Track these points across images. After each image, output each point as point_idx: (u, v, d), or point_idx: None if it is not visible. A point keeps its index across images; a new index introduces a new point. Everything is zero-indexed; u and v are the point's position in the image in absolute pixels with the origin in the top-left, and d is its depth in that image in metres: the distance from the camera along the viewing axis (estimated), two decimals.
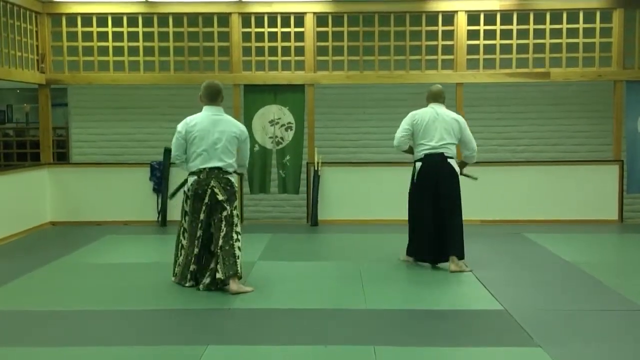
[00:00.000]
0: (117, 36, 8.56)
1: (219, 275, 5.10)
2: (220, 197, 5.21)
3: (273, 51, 8.56)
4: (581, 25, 8.45)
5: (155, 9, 8.52)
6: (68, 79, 8.78)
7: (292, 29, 8.53)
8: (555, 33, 8.51)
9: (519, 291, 5.30)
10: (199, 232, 5.29)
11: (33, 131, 11.95)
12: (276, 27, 8.53)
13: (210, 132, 5.28)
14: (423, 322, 4.54)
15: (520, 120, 10.32)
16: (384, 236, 7.51)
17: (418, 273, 5.90)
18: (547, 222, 8.36)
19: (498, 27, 8.48)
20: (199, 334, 4.28)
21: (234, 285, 5.13)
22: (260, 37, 8.56)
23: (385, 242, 7.17)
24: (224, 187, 5.25)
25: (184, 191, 5.43)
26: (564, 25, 8.47)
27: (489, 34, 8.50)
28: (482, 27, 8.49)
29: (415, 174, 6.03)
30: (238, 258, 5.16)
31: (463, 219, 6.03)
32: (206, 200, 5.24)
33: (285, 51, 8.57)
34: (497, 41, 8.49)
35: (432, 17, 8.55)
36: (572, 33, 8.50)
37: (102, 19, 8.56)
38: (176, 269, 5.47)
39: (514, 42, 8.50)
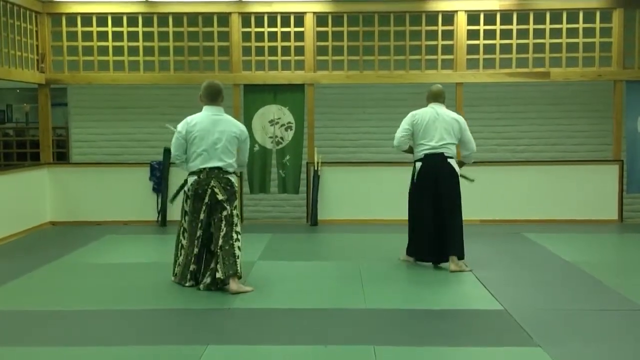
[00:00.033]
0: (117, 36, 8.56)
1: (218, 274, 5.11)
2: (220, 197, 5.21)
3: (273, 51, 8.56)
4: (581, 25, 8.45)
5: (155, 9, 8.52)
6: (68, 79, 8.78)
7: (292, 29, 8.53)
8: (555, 33, 8.51)
9: (519, 291, 5.30)
10: (199, 232, 5.29)
11: (33, 131, 11.95)
12: (276, 26, 8.53)
13: (211, 132, 5.28)
14: (423, 322, 4.54)
15: (520, 120, 10.32)
16: (384, 236, 7.51)
17: (418, 273, 5.90)
18: (547, 221, 8.36)
19: (498, 27, 8.48)
20: (199, 334, 4.28)
21: (233, 284, 5.13)
22: (260, 36, 8.56)
23: (385, 242, 7.17)
24: (224, 187, 5.25)
25: (184, 191, 5.43)
26: (564, 25, 8.47)
27: (489, 34, 8.51)
28: (482, 27, 8.49)
29: (415, 174, 6.03)
30: (238, 258, 5.17)
31: (463, 218, 6.03)
32: (206, 200, 5.24)
33: (285, 51, 8.57)
34: (497, 41, 8.49)
35: (432, 17, 8.56)
36: (572, 33, 8.50)
37: (102, 18, 8.56)
38: (176, 268, 5.47)
39: (514, 42, 8.50)
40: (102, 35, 8.57)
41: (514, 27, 8.47)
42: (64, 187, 8.54)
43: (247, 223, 8.54)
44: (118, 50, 8.58)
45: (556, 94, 10.20)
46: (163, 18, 8.57)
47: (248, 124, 8.41)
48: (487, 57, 8.53)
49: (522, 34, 8.51)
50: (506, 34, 8.51)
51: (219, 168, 5.28)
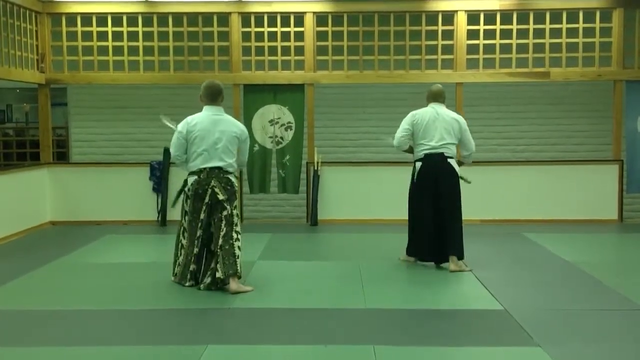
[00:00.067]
0: (117, 36, 8.56)
1: (218, 274, 5.11)
2: (220, 197, 5.21)
3: (273, 51, 8.56)
4: (581, 25, 8.45)
5: (155, 9, 8.52)
6: (68, 79, 8.78)
7: (292, 29, 8.53)
8: (555, 33, 8.51)
9: (519, 291, 5.30)
10: (199, 232, 5.29)
11: (33, 131, 11.95)
12: (276, 26, 8.53)
13: (211, 131, 5.28)
14: (423, 322, 4.54)
15: (520, 119, 10.32)
16: (384, 236, 7.51)
17: (418, 273, 5.90)
18: (547, 221, 8.36)
19: (498, 26, 8.48)
20: (199, 334, 4.28)
21: (233, 284, 5.13)
22: (260, 36, 8.56)
23: (384, 242, 7.17)
24: (225, 187, 5.25)
25: (184, 191, 5.43)
26: (564, 25, 8.47)
27: (489, 34, 8.51)
28: (482, 27, 8.49)
29: (415, 173, 6.03)
30: (238, 257, 5.17)
31: (463, 218, 6.03)
32: (206, 199, 5.24)
33: (285, 51, 8.57)
34: (497, 41, 8.49)
35: (432, 17, 8.55)
36: (572, 33, 8.50)
37: (101, 18, 8.56)
38: (176, 268, 5.47)
39: (514, 41, 8.50)
40: (102, 35, 8.57)
41: (514, 27, 8.47)
42: (64, 187, 8.54)
43: (247, 223, 8.54)
44: (118, 50, 8.58)
45: (556, 93, 10.20)
46: (163, 18, 8.57)
47: (248, 123, 8.41)
48: (487, 57, 8.53)
49: (522, 33, 8.51)
50: (506, 34, 8.51)
51: (219, 168, 5.28)
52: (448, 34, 8.54)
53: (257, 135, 8.54)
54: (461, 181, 6.09)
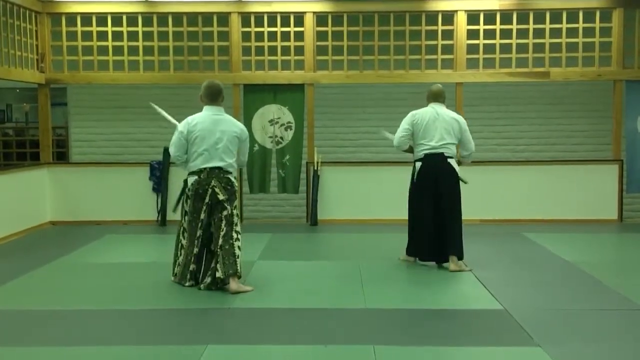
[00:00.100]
0: (117, 36, 8.56)
1: (218, 274, 5.11)
2: (221, 197, 5.21)
3: (273, 51, 8.56)
4: (581, 24, 8.45)
5: (155, 9, 8.52)
6: (68, 79, 8.78)
7: (292, 29, 8.53)
8: (555, 32, 8.51)
9: (519, 291, 5.30)
10: (199, 232, 5.29)
11: (33, 131, 11.95)
12: (276, 26, 8.53)
13: (212, 131, 5.28)
14: (423, 322, 4.54)
15: (520, 119, 10.32)
16: (384, 236, 7.51)
17: (417, 273, 5.90)
18: (547, 221, 8.36)
19: (498, 26, 8.48)
20: (199, 334, 4.28)
21: (233, 284, 5.13)
22: (259, 36, 8.56)
23: (384, 242, 7.17)
24: (225, 187, 5.25)
25: (182, 189, 5.42)
26: (564, 25, 8.47)
27: (489, 34, 8.51)
28: (481, 27, 8.49)
29: (415, 173, 6.03)
30: (238, 257, 5.17)
31: (463, 218, 6.03)
32: (207, 199, 5.24)
33: (285, 51, 8.57)
34: (497, 41, 8.49)
35: (431, 17, 8.55)
36: (572, 32, 8.50)
37: (101, 18, 8.56)
38: (176, 268, 5.47)
39: (514, 41, 8.50)
40: (102, 35, 8.57)
41: (514, 26, 8.47)
42: (63, 186, 8.54)
43: (247, 223, 8.54)
44: (118, 50, 8.58)
45: (556, 93, 10.21)
46: (163, 18, 8.57)
47: (248, 123, 8.41)
48: (487, 56, 8.53)
49: (522, 33, 8.51)
50: (506, 34, 8.51)
51: (219, 168, 5.28)
52: (448, 34, 8.54)
53: (257, 135, 8.54)
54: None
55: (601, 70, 8.54)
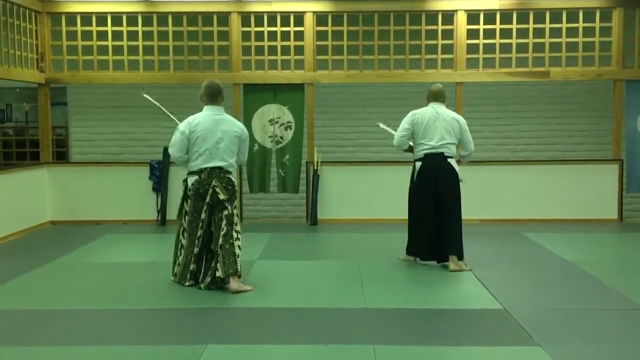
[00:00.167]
0: (117, 35, 8.56)
1: (218, 273, 5.11)
2: (221, 197, 5.21)
3: (273, 50, 8.56)
4: (581, 24, 8.45)
5: (155, 8, 8.52)
6: (67, 78, 8.78)
7: (292, 28, 8.53)
8: (555, 32, 8.51)
9: (519, 290, 5.30)
10: (200, 232, 5.29)
11: (32, 130, 11.94)
12: (276, 26, 8.53)
13: (213, 131, 5.28)
14: (422, 322, 4.54)
15: (520, 119, 10.32)
16: (384, 235, 7.51)
17: (417, 272, 5.90)
18: (547, 221, 8.36)
19: (498, 26, 8.48)
20: (199, 333, 4.28)
21: (234, 283, 5.13)
22: (259, 36, 8.56)
23: (384, 241, 7.17)
24: (225, 187, 5.25)
25: (184, 191, 5.42)
26: (564, 25, 8.47)
27: (489, 33, 8.51)
28: (481, 26, 8.49)
29: (415, 173, 6.03)
30: (238, 257, 5.17)
31: (463, 218, 6.03)
32: (207, 199, 5.24)
33: (285, 50, 8.57)
34: (497, 40, 8.49)
35: (431, 16, 8.55)
36: (572, 32, 8.50)
37: (101, 18, 8.56)
38: (176, 268, 5.47)
39: (514, 41, 8.50)
40: (102, 35, 8.57)
41: (514, 26, 8.47)
42: (63, 186, 8.54)
43: (247, 222, 8.54)
44: (118, 50, 8.58)
45: (556, 93, 10.21)
46: (162, 17, 8.57)
47: (248, 123, 8.41)
48: (486, 56, 8.53)
49: (522, 33, 8.51)
50: (506, 34, 8.51)
51: (220, 168, 5.28)
52: (448, 34, 8.54)
53: (256, 134, 8.54)
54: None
55: (601, 69, 8.54)
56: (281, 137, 8.60)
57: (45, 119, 8.73)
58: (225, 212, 5.21)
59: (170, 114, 5.86)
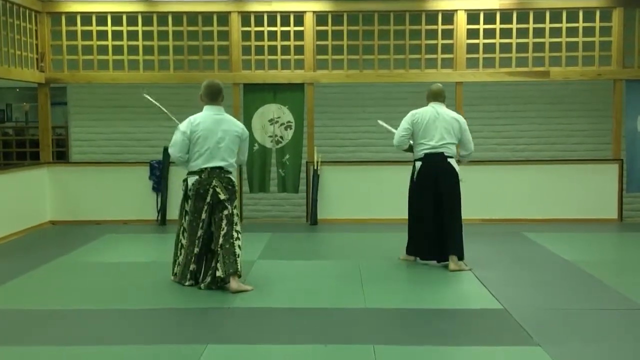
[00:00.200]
0: (117, 35, 8.56)
1: (219, 273, 5.11)
2: (222, 197, 5.21)
3: (272, 50, 8.56)
4: (581, 24, 8.45)
5: (155, 8, 8.52)
6: (67, 78, 8.78)
7: (292, 28, 8.53)
8: (555, 32, 8.51)
9: (519, 290, 5.30)
10: (200, 232, 5.29)
11: (32, 130, 11.94)
12: (276, 26, 8.53)
13: (214, 131, 5.28)
14: (422, 321, 4.54)
15: (520, 119, 10.32)
16: (384, 235, 7.51)
17: (417, 272, 5.90)
18: (547, 221, 8.36)
19: (498, 26, 8.48)
20: (199, 333, 4.28)
21: (234, 283, 5.13)
22: (259, 36, 8.56)
23: (384, 241, 7.17)
24: (226, 187, 5.25)
25: (184, 191, 5.42)
26: (564, 24, 8.47)
27: (489, 33, 8.51)
28: (481, 26, 8.49)
29: (415, 173, 6.03)
30: (238, 257, 5.17)
31: (463, 218, 6.03)
32: (208, 199, 5.24)
33: (285, 50, 8.57)
34: (497, 40, 8.49)
35: (431, 16, 8.55)
36: (572, 32, 8.50)
37: (101, 18, 8.56)
38: (176, 268, 5.47)
39: (514, 41, 8.50)
40: (102, 35, 8.57)
41: (514, 26, 8.47)
42: (63, 186, 8.54)
43: (247, 222, 8.54)
44: (118, 50, 8.58)
45: (556, 93, 10.20)
46: (162, 17, 8.57)
47: (248, 123, 8.41)
48: (486, 56, 8.53)
49: (522, 33, 8.51)
50: (506, 33, 8.51)
51: (220, 168, 5.28)
52: (448, 33, 8.53)
53: (256, 134, 8.54)
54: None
55: (601, 69, 8.54)
56: (281, 137, 8.60)
57: (45, 119, 8.73)
58: (226, 212, 5.21)
59: (170, 115, 5.85)
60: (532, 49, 8.52)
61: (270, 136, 8.59)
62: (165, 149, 8.14)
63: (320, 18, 8.60)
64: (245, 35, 8.58)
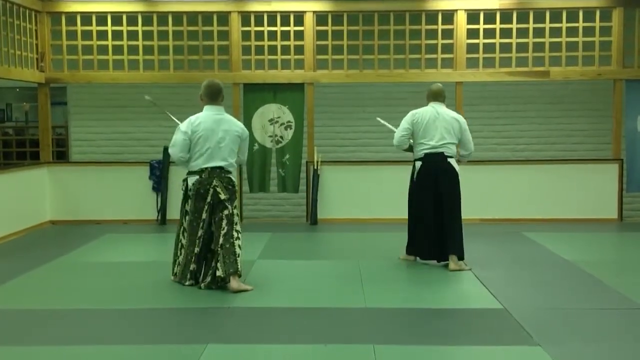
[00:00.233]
0: (117, 35, 8.56)
1: (219, 273, 5.11)
2: (222, 197, 5.21)
3: (273, 50, 8.56)
4: (581, 24, 8.45)
5: (155, 8, 8.52)
6: (67, 78, 8.78)
7: (292, 28, 8.52)
8: (555, 32, 8.51)
9: (519, 290, 5.30)
10: (201, 232, 5.29)
11: (32, 130, 11.94)
12: (276, 25, 8.53)
13: (215, 131, 5.28)
14: (422, 321, 4.54)
15: (520, 119, 10.33)
16: (384, 235, 7.51)
17: (417, 272, 5.90)
18: (547, 221, 8.36)
19: (498, 25, 8.47)
20: (199, 333, 4.28)
21: (234, 283, 5.13)
22: (259, 35, 8.56)
23: (384, 241, 7.17)
24: (226, 187, 5.26)
25: (184, 191, 5.42)
26: (564, 24, 8.47)
27: (489, 33, 8.50)
28: (481, 26, 8.49)
29: (415, 173, 6.03)
30: (238, 256, 5.17)
31: (463, 218, 6.03)
32: (208, 199, 5.24)
33: (285, 50, 8.57)
34: (497, 40, 8.49)
35: (431, 16, 8.55)
36: (572, 32, 8.50)
37: (101, 17, 8.56)
38: (176, 268, 5.47)
39: (514, 40, 8.50)
40: (102, 34, 8.57)
41: (514, 26, 8.47)
42: (63, 186, 8.54)
43: (247, 222, 8.54)
44: (118, 49, 8.58)
45: (556, 93, 10.21)
46: (162, 17, 8.57)
47: (248, 123, 8.41)
48: (486, 56, 8.53)
49: (522, 33, 8.51)
50: (506, 33, 8.51)
51: (220, 167, 5.28)
52: (448, 33, 8.53)
53: (257, 134, 8.54)
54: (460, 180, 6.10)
55: (601, 69, 8.54)
56: (281, 137, 8.60)
57: (45, 119, 8.73)
58: (226, 212, 5.21)
59: (175, 119, 5.85)
60: (532, 49, 8.52)
61: (270, 136, 8.59)
62: (165, 149, 8.14)
63: (320, 18, 8.60)
64: (245, 35, 8.58)
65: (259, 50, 8.58)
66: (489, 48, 8.53)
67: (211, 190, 5.23)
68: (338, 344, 4.07)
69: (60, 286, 5.51)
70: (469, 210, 6.56)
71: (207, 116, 5.34)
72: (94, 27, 8.56)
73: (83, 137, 10.47)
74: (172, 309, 4.86)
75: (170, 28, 8.53)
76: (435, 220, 5.92)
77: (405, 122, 6.02)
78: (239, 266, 5.17)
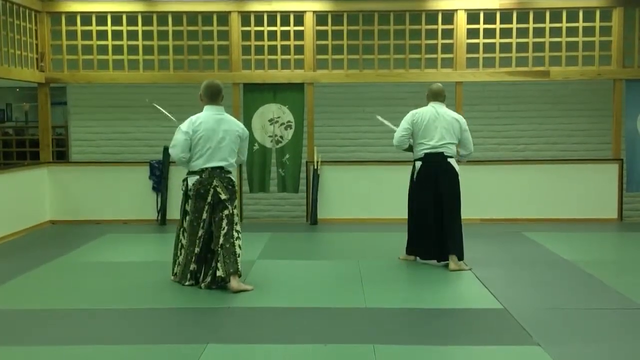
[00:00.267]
0: (117, 35, 8.56)
1: (219, 273, 5.11)
2: (223, 197, 5.21)
3: (272, 50, 8.56)
4: (581, 23, 8.45)
5: (155, 8, 8.52)
6: (67, 78, 8.78)
7: (292, 28, 8.52)
8: (555, 32, 8.51)
9: (519, 290, 5.30)
10: (201, 232, 5.28)
11: (32, 130, 11.95)
12: (276, 25, 8.53)
13: (216, 131, 5.28)
14: (423, 321, 4.54)
15: (520, 118, 10.32)
16: (384, 235, 7.51)
17: (417, 272, 5.90)
18: (547, 220, 8.36)
19: (498, 25, 8.48)
20: (199, 333, 4.28)
21: (234, 283, 5.13)
22: (259, 35, 8.56)
23: (384, 241, 7.17)
24: (226, 187, 5.26)
25: (184, 191, 5.41)
26: (564, 24, 8.47)
27: (489, 33, 8.50)
28: (481, 26, 8.49)
29: (415, 173, 6.03)
30: (239, 256, 5.17)
31: (463, 218, 6.03)
32: (209, 199, 5.24)
33: (285, 50, 8.57)
34: (497, 40, 8.49)
35: (431, 16, 8.55)
36: (572, 32, 8.50)
37: (101, 17, 8.56)
38: (176, 268, 5.47)
39: (514, 40, 8.50)
40: (102, 34, 8.57)
41: (514, 25, 8.47)
42: (63, 186, 8.54)
43: (247, 222, 8.54)
44: (117, 49, 8.58)
45: (556, 92, 10.20)
46: (162, 17, 8.57)
47: (248, 123, 8.41)
48: (486, 56, 8.53)
49: (522, 32, 8.51)
50: (506, 33, 8.51)
51: (221, 168, 5.28)
52: (448, 33, 8.53)
53: (256, 134, 8.54)
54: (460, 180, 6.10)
55: (601, 69, 8.54)
56: (281, 137, 8.60)
57: (45, 119, 8.73)
58: (226, 212, 5.21)
59: (174, 119, 5.85)
60: (532, 49, 8.52)
61: (270, 136, 8.59)
62: (166, 149, 8.14)
63: (320, 18, 8.60)
64: (245, 35, 8.58)
65: (259, 50, 8.59)
66: (489, 48, 8.53)
67: (211, 190, 5.23)
68: (338, 344, 4.07)
69: (60, 286, 5.51)
70: (469, 210, 6.56)
71: (208, 116, 5.34)
72: (93, 27, 8.56)
73: (83, 137, 10.47)
74: (172, 309, 4.86)
75: (170, 28, 8.54)
76: (435, 220, 5.92)
77: (405, 122, 6.02)
78: (239, 266, 5.17)
